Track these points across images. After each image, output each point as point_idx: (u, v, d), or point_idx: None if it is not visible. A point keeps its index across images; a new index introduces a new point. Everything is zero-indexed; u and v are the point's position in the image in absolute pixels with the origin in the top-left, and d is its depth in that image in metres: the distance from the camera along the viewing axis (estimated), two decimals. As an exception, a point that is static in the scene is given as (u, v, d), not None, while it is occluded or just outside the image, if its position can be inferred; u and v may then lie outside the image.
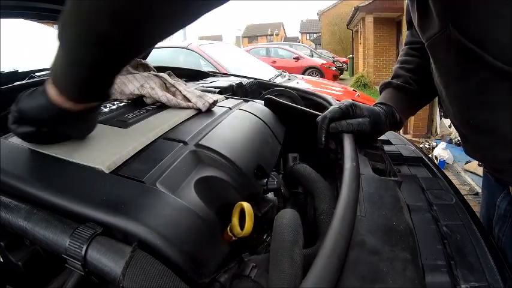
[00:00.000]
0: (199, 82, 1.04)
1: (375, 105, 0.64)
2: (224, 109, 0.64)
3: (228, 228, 0.38)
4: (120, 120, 0.53)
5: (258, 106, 0.70)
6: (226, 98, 0.76)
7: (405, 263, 0.31)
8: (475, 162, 2.64)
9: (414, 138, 3.79)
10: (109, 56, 0.33)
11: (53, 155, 0.41)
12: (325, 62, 9.62)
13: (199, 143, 0.47)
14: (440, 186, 0.56)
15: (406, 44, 0.68)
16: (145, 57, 1.19)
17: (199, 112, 0.61)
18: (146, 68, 0.78)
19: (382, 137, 0.76)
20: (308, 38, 29.99)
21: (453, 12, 0.41)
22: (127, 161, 0.41)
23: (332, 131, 0.56)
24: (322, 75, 8.58)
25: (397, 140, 0.80)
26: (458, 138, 0.58)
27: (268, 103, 0.73)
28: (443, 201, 0.51)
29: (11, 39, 1.29)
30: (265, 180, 0.49)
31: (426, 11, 0.44)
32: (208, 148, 0.46)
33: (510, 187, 0.52)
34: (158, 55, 3.22)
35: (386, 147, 0.69)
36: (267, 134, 0.61)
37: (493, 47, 0.39)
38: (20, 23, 1.43)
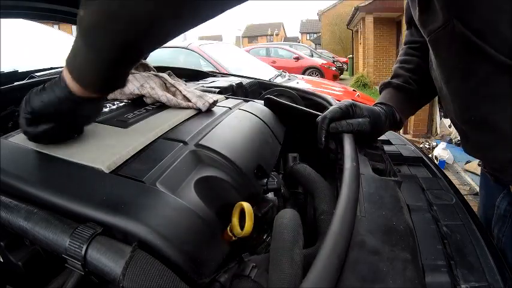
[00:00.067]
0: (199, 82, 1.04)
1: (375, 105, 0.64)
2: (224, 109, 0.64)
3: (228, 228, 0.38)
4: (120, 120, 0.53)
5: (258, 106, 0.70)
6: (226, 98, 0.76)
7: (405, 263, 0.31)
8: (475, 162, 2.64)
9: (414, 138, 3.79)
10: (137, 52, 0.36)
11: (53, 154, 0.41)
12: (325, 62, 9.62)
13: (199, 143, 0.47)
14: (440, 186, 0.56)
15: (405, 44, 0.68)
16: (145, 57, 1.20)
17: (199, 112, 0.61)
18: (146, 68, 0.78)
19: (382, 137, 0.76)
20: (308, 38, 29.99)
21: (457, 6, 0.41)
22: (127, 160, 0.41)
23: (332, 131, 0.56)
24: (322, 75, 8.57)
25: (397, 140, 0.80)
26: (458, 138, 0.58)
27: (268, 103, 0.73)
28: (443, 201, 0.51)
29: (11, 39, 1.29)
30: (265, 180, 0.49)
31: (428, 5, 0.44)
32: (208, 148, 0.46)
33: (510, 186, 0.52)
34: (158, 55, 3.22)
35: (386, 147, 0.68)
36: (267, 134, 0.61)
37: (496, 40, 0.39)
38: (20, 23, 1.43)
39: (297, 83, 3.19)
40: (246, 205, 0.38)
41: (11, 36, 1.31)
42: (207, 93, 0.65)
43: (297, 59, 9.15)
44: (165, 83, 0.66)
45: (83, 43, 0.34)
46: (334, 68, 9.53)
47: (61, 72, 0.39)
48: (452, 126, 0.57)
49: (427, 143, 3.39)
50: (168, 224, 0.32)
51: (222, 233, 0.38)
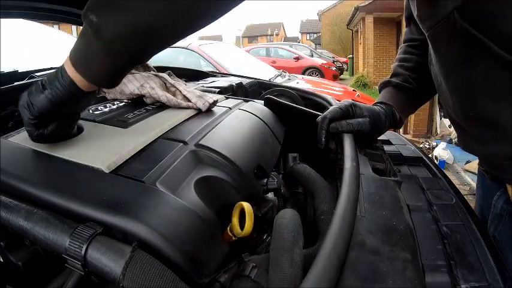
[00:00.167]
0: (199, 82, 1.04)
1: (375, 104, 0.64)
2: (224, 109, 0.64)
3: (228, 228, 0.38)
4: (120, 120, 0.53)
5: (258, 106, 0.70)
6: (226, 98, 0.76)
7: (405, 263, 0.31)
8: (475, 162, 2.64)
9: (414, 138, 3.79)
10: (150, 55, 0.39)
11: (53, 154, 0.41)
12: (325, 62, 9.63)
13: (199, 143, 0.47)
14: (440, 186, 0.56)
15: (404, 42, 0.68)
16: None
17: (199, 112, 0.61)
18: (146, 68, 0.78)
19: (382, 137, 0.76)
20: (308, 38, 29.99)
21: (458, 1, 0.40)
22: (127, 160, 0.41)
23: (332, 131, 0.56)
24: (322, 75, 8.58)
25: (397, 140, 0.80)
26: (458, 137, 0.58)
27: (268, 103, 0.73)
28: (443, 201, 0.51)
29: (11, 39, 1.29)
30: (265, 180, 0.49)
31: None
32: (208, 148, 0.46)
33: (507, 184, 0.52)
34: (158, 55, 3.14)
35: (386, 147, 0.68)
36: (267, 134, 0.61)
37: (497, 35, 0.39)
38: (20, 23, 1.43)
39: (297, 83, 3.19)
40: (246, 205, 0.38)
41: (11, 36, 1.31)
42: (207, 93, 0.65)
43: (297, 59, 9.15)
44: (165, 83, 0.66)
45: (101, 47, 0.35)
46: (334, 68, 9.53)
47: (60, 68, 0.39)
48: (452, 127, 0.57)
49: (427, 143, 3.39)
50: (168, 224, 0.32)
51: (222, 233, 0.38)
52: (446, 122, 3.56)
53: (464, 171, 2.76)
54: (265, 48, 9.62)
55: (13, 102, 0.41)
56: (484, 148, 0.48)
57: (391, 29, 8.54)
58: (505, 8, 0.38)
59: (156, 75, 0.67)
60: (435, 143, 3.31)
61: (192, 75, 1.17)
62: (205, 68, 3.09)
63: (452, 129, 3.44)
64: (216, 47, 3.66)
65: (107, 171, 0.38)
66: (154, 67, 0.82)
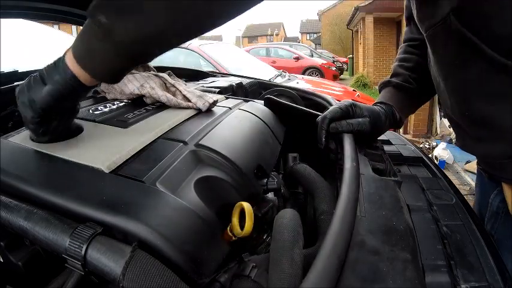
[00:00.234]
0: (199, 82, 1.04)
1: (375, 104, 0.64)
2: (224, 109, 0.64)
3: (228, 228, 0.38)
4: (120, 120, 0.53)
5: (258, 106, 0.70)
6: (226, 98, 0.76)
7: (405, 263, 0.31)
8: (474, 162, 2.63)
9: (414, 138, 3.79)
10: (155, 56, 0.39)
11: (53, 154, 0.41)
12: (325, 62, 9.63)
13: (199, 143, 0.47)
14: (440, 186, 0.56)
15: (404, 41, 0.68)
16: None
17: (199, 112, 0.61)
18: (146, 68, 0.78)
19: (382, 137, 0.76)
20: (308, 38, 29.99)
21: (454, 2, 0.41)
22: (127, 160, 0.41)
23: (332, 131, 0.56)
24: (322, 75, 8.58)
25: (397, 140, 0.80)
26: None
27: (268, 103, 0.73)
28: (443, 201, 0.51)
29: (11, 39, 1.29)
30: (265, 180, 0.49)
31: (426, 0, 0.44)
32: (208, 148, 0.46)
33: (503, 183, 0.52)
34: None
35: (386, 147, 0.68)
36: (267, 134, 0.61)
37: (491, 37, 0.39)
38: (20, 23, 1.43)
39: (297, 83, 3.19)
40: (246, 205, 0.38)
41: (11, 36, 1.31)
42: (207, 93, 0.65)
43: (297, 59, 9.15)
44: (165, 83, 0.66)
45: (110, 47, 0.36)
46: (334, 68, 9.53)
47: (60, 62, 0.39)
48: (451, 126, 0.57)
49: (427, 143, 3.39)
50: (168, 224, 0.32)
51: (222, 233, 0.38)
52: (446, 122, 3.56)
53: (464, 171, 2.76)
54: (265, 48, 9.61)
55: (13, 102, 0.41)
56: (481, 147, 0.49)
57: (391, 29, 8.54)
58: (501, 9, 0.38)
59: (156, 75, 0.67)
60: (435, 143, 3.31)
61: (192, 75, 1.17)
62: (205, 68, 3.09)
63: (452, 129, 3.44)
64: (216, 47, 3.66)
65: (107, 171, 0.38)
66: (154, 67, 0.82)
